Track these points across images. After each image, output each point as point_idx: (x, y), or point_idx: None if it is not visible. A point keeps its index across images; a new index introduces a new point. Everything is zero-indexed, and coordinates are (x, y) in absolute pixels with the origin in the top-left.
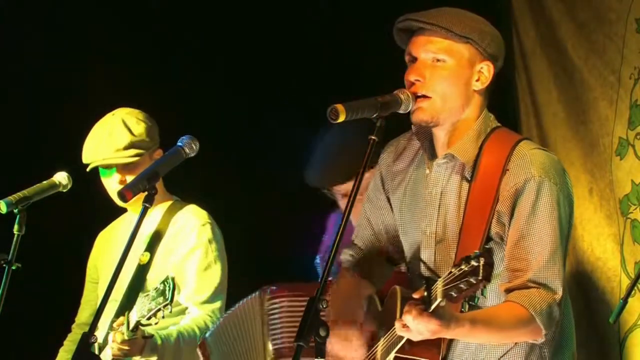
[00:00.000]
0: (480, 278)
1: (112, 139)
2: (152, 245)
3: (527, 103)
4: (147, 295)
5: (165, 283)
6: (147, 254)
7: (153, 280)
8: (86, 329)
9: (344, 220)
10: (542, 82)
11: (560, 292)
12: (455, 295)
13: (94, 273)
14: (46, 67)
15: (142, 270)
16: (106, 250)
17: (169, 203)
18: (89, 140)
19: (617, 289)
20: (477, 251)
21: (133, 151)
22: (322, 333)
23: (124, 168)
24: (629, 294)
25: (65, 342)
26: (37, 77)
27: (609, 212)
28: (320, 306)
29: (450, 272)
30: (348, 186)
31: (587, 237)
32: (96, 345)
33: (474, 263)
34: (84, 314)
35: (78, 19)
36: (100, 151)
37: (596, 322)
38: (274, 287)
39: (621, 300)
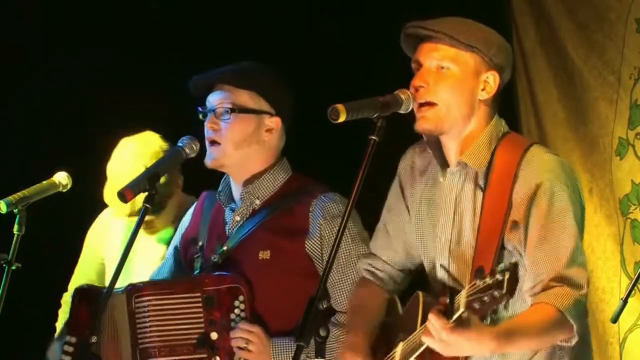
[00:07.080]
0: (504, 292)
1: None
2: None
3: (527, 103)
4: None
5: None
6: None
7: None
8: None
9: (344, 221)
10: (542, 82)
11: (585, 288)
12: (478, 307)
13: (96, 251)
14: (46, 67)
15: None
16: (116, 238)
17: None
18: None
19: (617, 289)
20: (502, 264)
21: None
22: (322, 333)
23: None
24: (629, 294)
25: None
26: (37, 76)
27: (609, 212)
28: (321, 306)
29: (474, 283)
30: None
31: (587, 237)
32: None
33: (498, 277)
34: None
35: (78, 20)
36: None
37: (596, 322)
38: (141, 285)
39: (621, 300)
